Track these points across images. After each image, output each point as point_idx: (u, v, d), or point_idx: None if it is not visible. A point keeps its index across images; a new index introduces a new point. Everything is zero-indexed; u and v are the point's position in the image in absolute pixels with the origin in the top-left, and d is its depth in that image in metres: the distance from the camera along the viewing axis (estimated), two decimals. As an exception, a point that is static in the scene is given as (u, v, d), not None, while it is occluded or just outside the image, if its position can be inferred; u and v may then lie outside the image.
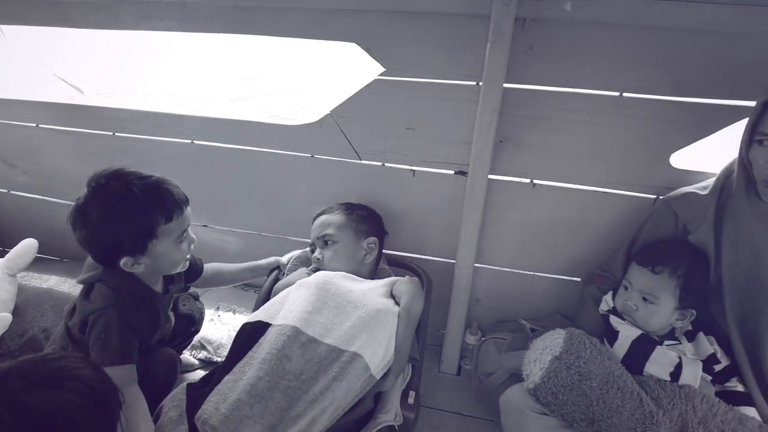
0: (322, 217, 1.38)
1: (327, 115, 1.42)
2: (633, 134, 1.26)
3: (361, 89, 1.36)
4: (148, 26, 1.42)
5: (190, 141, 1.59)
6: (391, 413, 1.10)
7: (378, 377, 1.06)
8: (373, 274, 1.39)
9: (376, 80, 1.34)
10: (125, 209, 1.01)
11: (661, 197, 1.28)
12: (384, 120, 1.38)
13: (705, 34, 1.14)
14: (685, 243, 1.18)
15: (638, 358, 1.09)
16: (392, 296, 1.24)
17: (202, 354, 1.55)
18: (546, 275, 1.49)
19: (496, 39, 1.16)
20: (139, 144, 1.63)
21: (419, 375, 1.23)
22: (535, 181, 1.37)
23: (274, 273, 1.44)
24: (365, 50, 1.32)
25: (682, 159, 1.27)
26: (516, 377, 1.22)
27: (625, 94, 1.23)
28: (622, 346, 1.12)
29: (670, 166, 1.28)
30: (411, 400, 1.16)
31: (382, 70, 1.32)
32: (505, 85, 1.24)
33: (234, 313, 1.70)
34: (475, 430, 1.35)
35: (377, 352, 1.08)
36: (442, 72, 1.29)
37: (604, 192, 1.34)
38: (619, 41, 1.19)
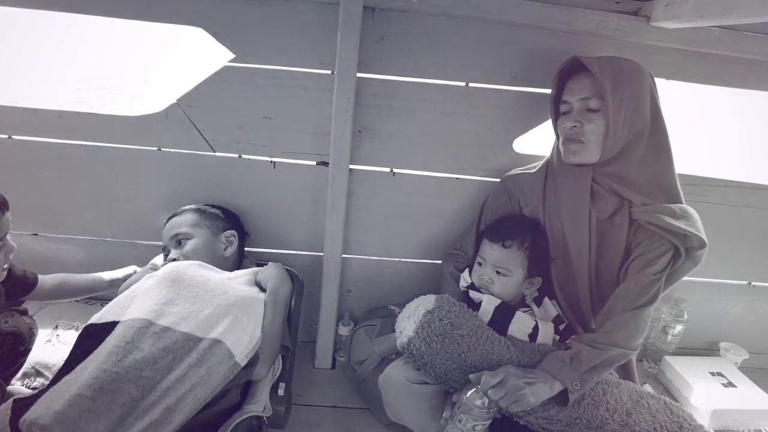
0: (173, 220, 1.33)
1: (173, 104, 1.35)
2: (479, 122, 1.38)
3: (210, 76, 1.32)
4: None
5: (7, 136, 1.40)
6: (260, 404, 1.09)
7: (243, 364, 1.04)
8: (236, 268, 1.36)
9: (225, 67, 1.30)
10: None
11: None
12: (238, 109, 1.35)
13: (533, 29, 1.29)
14: (526, 218, 1.30)
15: (501, 323, 1.19)
16: (257, 284, 1.23)
17: (38, 382, 1.37)
18: (410, 260, 1.56)
19: (346, 27, 1.19)
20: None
21: (291, 366, 1.23)
22: (394, 170, 1.43)
23: None
24: (212, 35, 1.27)
25: (524, 144, 1.42)
26: (387, 361, 1.26)
27: (470, 84, 1.34)
28: (486, 312, 1.21)
29: (513, 151, 1.41)
30: (281, 392, 1.15)
31: (232, 56, 1.29)
32: (359, 74, 1.28)
33: (77, 330, 1.54)
34: (351, 421, 1.37)
35: (241, 338, 1.05)
36: (296, 59, 1.30)
37: (457, 178, 1.45)
38: (463, 33, 1.29)
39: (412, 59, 1.31)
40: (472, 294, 1.28)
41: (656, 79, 1.18)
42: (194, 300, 1.06)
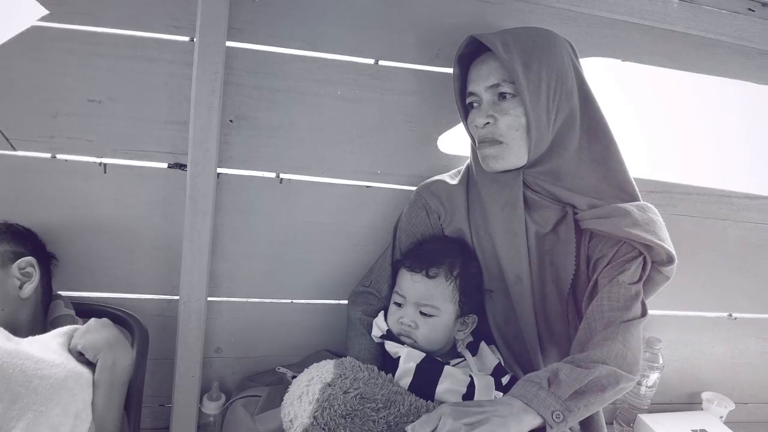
0: None
1: (-49, 80, 1.14)
2: (394, 112, 1.31)
3: (10, 41, 1.13)
4: None
5: None
6: None
7: None
8: (41, 314, 1.14)
9: (34, 27, 1.13)
10: None
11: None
12: (51, 88, 1.17)
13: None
14: (451, 239, 1.24)
15: (427, 385, 1.09)
16: (78, 353, 1.03)
17: None
18: (305, 302, 1.41)
19: (209, -25, 1.09)
20: None
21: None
22: (281, 176, 1.30)
23: None
24: (14, -18, 1.11)
25: (452, 143, 1.33)
26: (279, 444, 1.15)
27: (381, 62, 1.27)
28: (406, 372, 1.10)
29: (439, 150, 1.34)
30: None
31: (44, 12, 1.13)
32: (229, 43, 1.18)
33: None
34: None
35: None
36: (139, 20, 1.17)
37: (367, 186, 1.35)
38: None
39: (302, 26, 1.22)
40: (389, 346, 1.18)
41: (611, 60, 1.18)
42: None
